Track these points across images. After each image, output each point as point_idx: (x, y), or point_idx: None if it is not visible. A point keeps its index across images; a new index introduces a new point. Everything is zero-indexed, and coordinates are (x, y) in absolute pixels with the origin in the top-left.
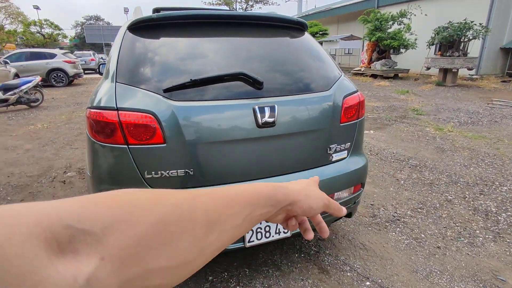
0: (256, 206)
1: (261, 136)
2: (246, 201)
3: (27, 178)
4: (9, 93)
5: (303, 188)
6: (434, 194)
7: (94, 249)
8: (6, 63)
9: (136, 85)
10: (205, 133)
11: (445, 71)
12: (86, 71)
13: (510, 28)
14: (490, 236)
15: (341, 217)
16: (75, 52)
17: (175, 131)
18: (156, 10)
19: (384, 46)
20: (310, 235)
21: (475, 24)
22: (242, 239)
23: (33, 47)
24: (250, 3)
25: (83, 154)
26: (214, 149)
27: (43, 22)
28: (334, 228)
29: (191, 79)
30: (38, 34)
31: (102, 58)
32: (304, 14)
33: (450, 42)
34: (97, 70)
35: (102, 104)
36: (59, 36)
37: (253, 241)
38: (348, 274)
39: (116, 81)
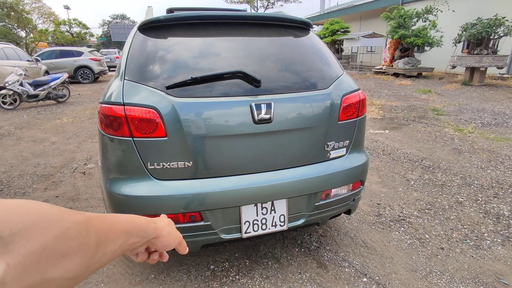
0: (130, 235)
1: (257, 132)
2: (124, 229)
3: (51, 168)
4: (39, 89)
5: (166, 225)
6: (444, 195)
7: (1, 254)
8: (37, 60)
9: (142, 82)
10: (203, 128)
11: (472, 70)
12: (111, 68)
13: None
14: (499, 240)
15: (339, 214)
16: (101, 50)
17: (175, 126)
18: (170, 11)
19: (408, 44)
20: (154, 260)
21: (507, 20)
22: (239, 230)
23: (62, 45)
24: (272, 0)
25: None
26: (212, 143)
27: (72, 21)
28: (337, 225)
29: (191, 77)
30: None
31: None
32: (326, 12)
33: (478, 40)
34: None
35: (111, 100)
36: (87, 35)
37: (249, 232)
38: (346, 270)
39: (124, 79)
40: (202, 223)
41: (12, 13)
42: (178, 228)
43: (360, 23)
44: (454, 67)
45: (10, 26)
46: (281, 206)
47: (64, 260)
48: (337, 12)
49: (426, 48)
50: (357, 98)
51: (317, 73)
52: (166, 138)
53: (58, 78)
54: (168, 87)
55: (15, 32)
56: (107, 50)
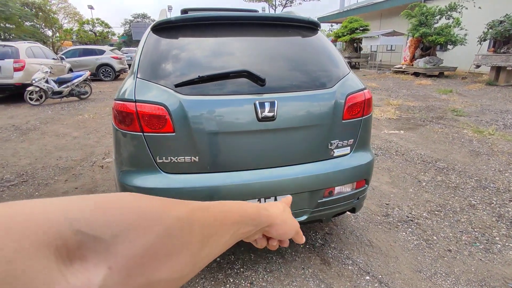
0: (241, 225)
1: (261, 129)
2: (234, 219)
3: (72, 161)
4: (63, 86)
5: (281, 213)
6: (456, 198)
7: (103, 257)
8: (62, 59)
9: (153, 80)
10: (209, 124)
11: (497, 70)
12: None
13: None
14: (511, 244)
15: (344, 212)
16: (122, 49)
17: (183, 122)
18: (184, 11)
19: (429, 43)
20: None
21: None
22: None
23: (86, 44)
24: None
25: None
26: (218, 139)
27: (95, 21)
28: (343, 223)
29: (198, 76)
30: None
31: None
32: (345, 9)
33: (505, 38)
34: None
35: (124, 97)
36: (109, 33)
37: None
38: (350, 267)
39: (136, 77)
40: None
41: (40, 13)
42: None
43: (380, 21)
44: (478, 66)
45: (38, 25)
46: None
47: (169, 260)
48: (356, 10)
49: (448, 46)
50: (362, 97)
51: (323, 72)
52: (174, 134)
53: (80, 75)
54: (177, 85)
55: (42, 31)
56: (128, 48)
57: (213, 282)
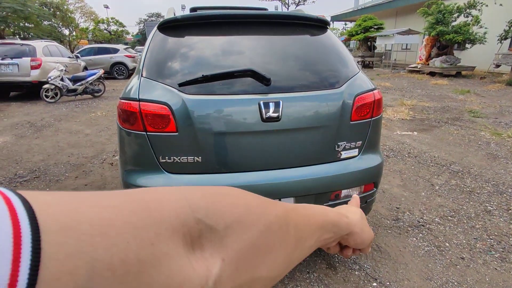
0: (324, 230)
1: (265, 130)
2: (319, 224)
3: (83, 158)
4: (78, 84)
5: (360, 220)
6: (471, 203)
7: (217, 248)
8: (77, 57)
9: (157, 79)
10: (213, 124)
11: None
12: None
13: None
14: None
15: None
16: (136, 47)
17: (186, 122)
18: (193, 9)
19: (446, 41)
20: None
21: None
22: None
23: (101, 42)
24: None
25: None
26: (221, 140)
27: (110, 20)
28: None
29: (202, 75)
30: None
31: None
32: (360, 8)
33: None
34: None
35: (128, 96)
36: (123, 32)
37: None
38: (356, 273)
39: (141, 76)
40: None
41: (58, 12)
42: None
43: (396, 20)
44: (498, 66)
45: (55, 25)
46: None
47: (268, 258)
48: (371, 8)
49: (467, 45)
50: (371, 98)
51: (330, 72)
52: (177, 134)
53: (94, 74)
54: (180, 85)
55: (60, 30)
56: (141, 47)
57: None
